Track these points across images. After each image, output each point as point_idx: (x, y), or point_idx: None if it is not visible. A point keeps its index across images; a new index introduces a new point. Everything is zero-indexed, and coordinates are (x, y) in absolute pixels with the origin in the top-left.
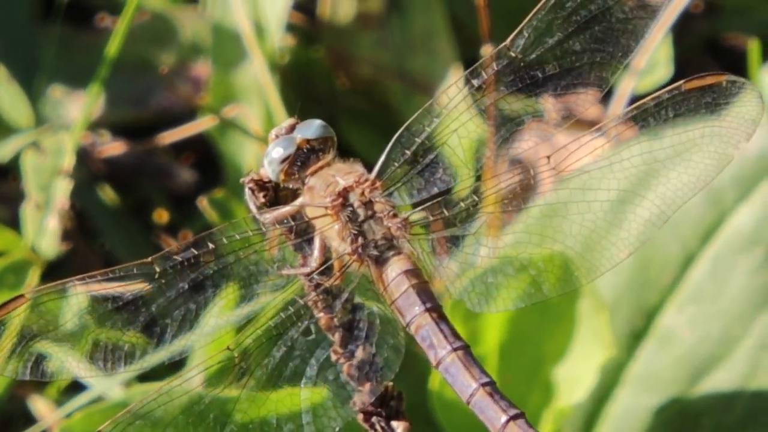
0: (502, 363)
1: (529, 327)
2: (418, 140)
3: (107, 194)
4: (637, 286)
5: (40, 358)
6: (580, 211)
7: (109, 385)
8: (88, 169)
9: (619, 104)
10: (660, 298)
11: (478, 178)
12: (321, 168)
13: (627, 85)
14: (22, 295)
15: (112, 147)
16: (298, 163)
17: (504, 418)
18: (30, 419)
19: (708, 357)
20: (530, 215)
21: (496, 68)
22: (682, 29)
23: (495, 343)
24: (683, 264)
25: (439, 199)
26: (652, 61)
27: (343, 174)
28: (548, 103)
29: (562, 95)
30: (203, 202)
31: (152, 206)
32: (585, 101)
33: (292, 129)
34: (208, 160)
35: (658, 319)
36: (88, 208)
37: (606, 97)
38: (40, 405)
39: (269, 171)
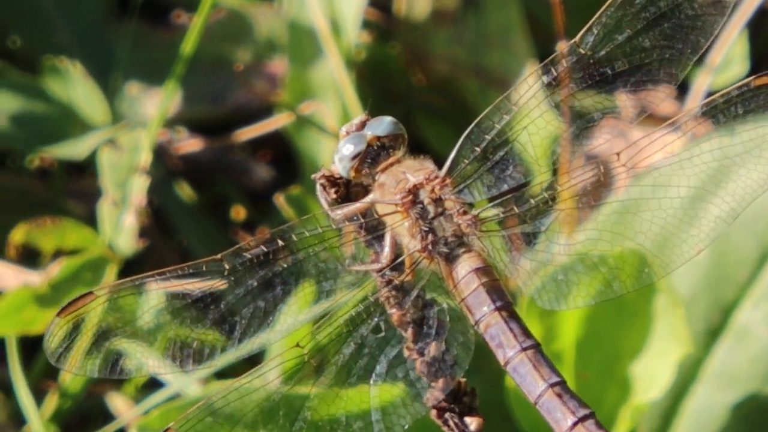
0: (579, 360)
1: (606, 324)
2: (488, 137)
3: (184, 191)
4: (713, 283)
5: (116, 356)
6: (651, 208)
7: (186, 383)
8: (165, 166)
9: (694, 101)
10: (736, 295)
11: (551, 175)
12: (391, 165)
13: (702, 82)
14: (91, 292)
15: (189, 144)
16: (369, 160)
17: (571, 420)
18: (108, 416)
19: None
20: (602, 213)
21: (567, 65)
22: (758, 26)
23: (571, 340)
24: (759, 261)
25: (510, 195)
26: (727, 57)
27: (413, 171)
28: (621, 100)
29: (634, 92)
30: (280, 199)
31: (229, 203)
32: (656, 98)
33: (362, 126)
34: (285, 157)
35: (735, 316)
36: (165, 204)
37: (682, 94)
38: (117, 402)
39: (340, 167)
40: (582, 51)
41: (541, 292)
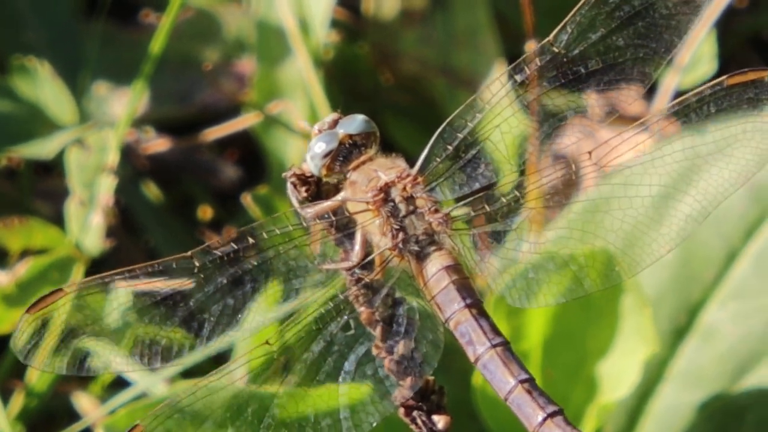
0: (546, 359)
1: (573, 323)
2: (461, 135)
3: (151, 191)
4: (680, 283)
5: (83, 354)
6: (621, 206)
7: (152, 382)
8: (133, 166)
9: (662, 101)
10: (703, 295)
11: (521, 174)
12: (363, 163)
13: (671, 82)
14: (60, 289)
15: (157, 144)
16: (341, 158)
17: (541, 416)
18: (74, 416)
19: (751, 353)
20: (572, 211)
21: (539, 63)
22: (726, 25)
23: (538, 340)
24: (726, 260)
25: (481, 194)
26: (695, 57)
27: (385, 169)
28: (591, 99)
29: (605, 91)
30: (247, 199)
31: (196, 203)
32: (628, 97)
33: (334, 124)
34: (252, 157)
35: (701, 315)
36: (132, 204)
37: (650, 94)
38: (83, 401)
39: (311, 165)
40: (555, 50)
41: (510, 290)
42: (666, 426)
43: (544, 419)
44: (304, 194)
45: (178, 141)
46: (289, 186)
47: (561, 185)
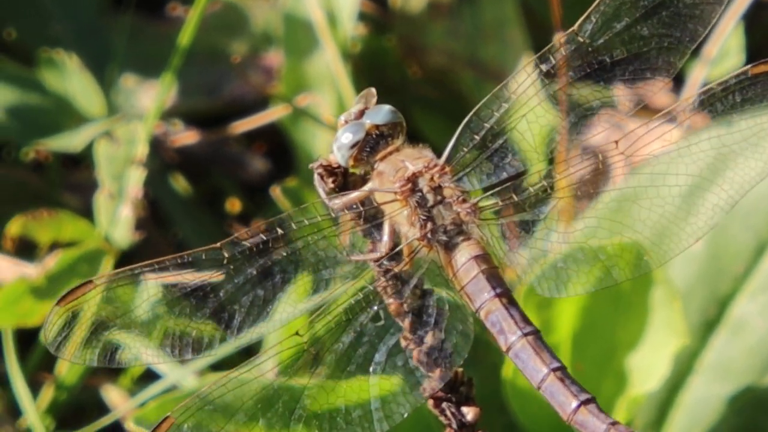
0: (575, 352)
1: (602, 316)
2: (487, 125)
3: (180, 183)
4: (710, 276)
5: (113, 346)
6: (650, 197)
7: (182, 374)
8: (161, 159)
9: (690, 93)
10: (732, 288)
11: (549, 164)
12: (390, 153)
13: (698, 74)
14: (90, 281)
15: (185, 136)
16: (367, 149)
17: (575, 403)
18: (103, 409)
19: None
20: (601, 201)
21: (564, 54)
22: (753, 18)
23: (568, 332)
24: (755, 253)
25: (509, 184)
26: (723, 50)
27: (412, 159)
28: (617, 89)
29: (631, 81)
30: (276, 191)
31: (225, 195)
32: (654, 87)
33: (361, 114)
34: (281, 150)
35: (731, 308)
36: (161, 197)
37: (677, 86)
38: (113, 394)
39: (338, 156)
40: (580, 39)
41: (540, 280)
42: (696, 418)
43: (578, 406)
44: (332, 185)
45: (206, 134)
46: (316, 177)
47: (589, 176)
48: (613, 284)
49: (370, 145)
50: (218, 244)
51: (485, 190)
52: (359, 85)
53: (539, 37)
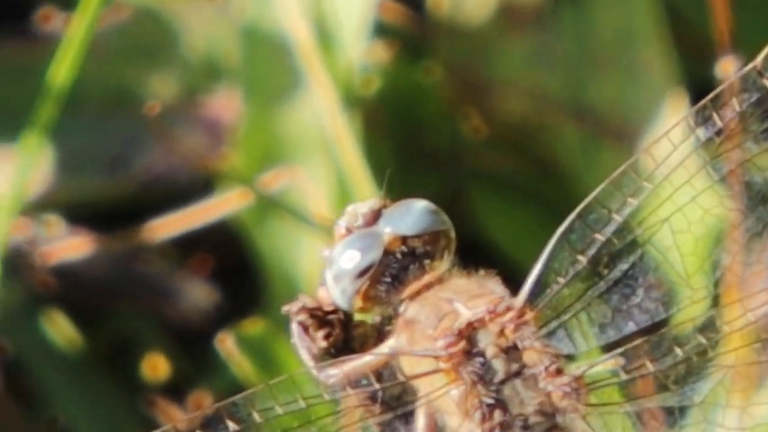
0: None
1: None
2: (602, 237)
3: (61, 330)
4: None
5: None
6: None
7: None
8: (26, 285)
9: None
10: None
11: (713, 305)
12: (427, 287)
13: None
14: None
15: (69, 246)
16: (388, 279)
17: None
18: None
19: None
20: None
21: (740, 108)
22: None
23: None
24: None
25: (641, 341)
26: None
27: (467, 298)
28: None
29: None
30: (226, 343)
31: (140, 350)
32: None
33: (376, 216)
34: (235, 269)
35: None
36: (25, 354)
37: None
38: None
39: (336, 292)
40: (766, 82)
41: None
42: None
43: None
44: (323, 343)
45: (106, 241)
46: (296, 329)
47: None
48: None
49: (392, 272)
50: None
51: (600, 351)
52: (376, 152)
53: (694, 63)
